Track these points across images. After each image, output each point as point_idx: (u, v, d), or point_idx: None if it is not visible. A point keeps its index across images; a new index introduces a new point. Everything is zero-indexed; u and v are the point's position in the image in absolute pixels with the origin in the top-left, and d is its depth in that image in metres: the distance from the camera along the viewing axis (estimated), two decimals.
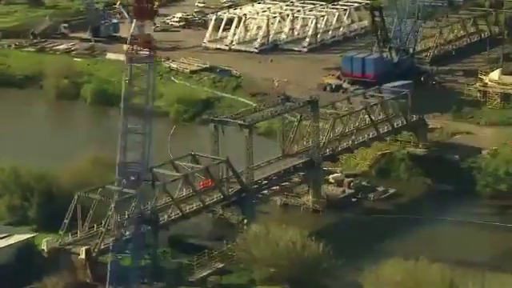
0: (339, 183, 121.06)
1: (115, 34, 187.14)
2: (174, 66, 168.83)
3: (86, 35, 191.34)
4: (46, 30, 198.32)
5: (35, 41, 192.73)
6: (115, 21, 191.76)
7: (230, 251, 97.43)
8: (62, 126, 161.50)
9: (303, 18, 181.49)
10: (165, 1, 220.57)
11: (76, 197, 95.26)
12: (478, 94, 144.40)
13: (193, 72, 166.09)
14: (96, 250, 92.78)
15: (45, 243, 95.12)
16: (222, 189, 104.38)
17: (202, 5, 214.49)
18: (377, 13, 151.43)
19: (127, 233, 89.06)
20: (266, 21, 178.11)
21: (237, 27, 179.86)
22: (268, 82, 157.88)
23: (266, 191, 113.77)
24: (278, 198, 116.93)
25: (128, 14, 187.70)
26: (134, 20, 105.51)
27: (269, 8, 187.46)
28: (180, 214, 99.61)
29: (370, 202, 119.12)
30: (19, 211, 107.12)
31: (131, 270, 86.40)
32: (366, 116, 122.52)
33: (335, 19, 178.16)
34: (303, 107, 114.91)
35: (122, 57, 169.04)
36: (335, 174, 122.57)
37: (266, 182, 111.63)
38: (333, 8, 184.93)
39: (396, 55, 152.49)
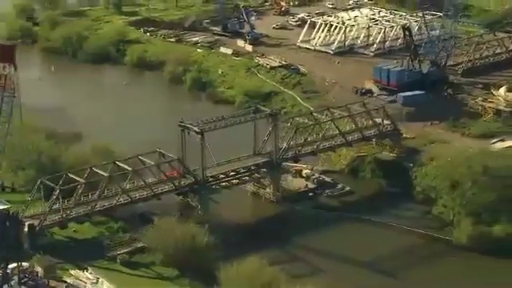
0: (307, 178, 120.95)
1: (240, 31, 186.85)
2: (261, 61, 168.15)
3: (217, 30, 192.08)
4: (192, 24, 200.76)
5: (176, 32, 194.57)
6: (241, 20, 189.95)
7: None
8: (151, 106, 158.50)
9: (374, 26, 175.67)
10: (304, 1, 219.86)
11: (38, 182, 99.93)
12: (480, 107, 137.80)
13: (272, 68, 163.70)
14: (38, 226, 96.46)
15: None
16: (173, 181, 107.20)
17: (331, 6, 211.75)
18: (407, 32, 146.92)
19: None
20: (343, 27, 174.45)
21: (327, 31, 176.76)
22: (322, 82, 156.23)
23: (224, 183, 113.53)
24: (249, 187, 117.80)
25: (246, 16, 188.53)
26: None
27: (356, 16, 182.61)
28: (129, 199, 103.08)
29: (324, 198, 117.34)
30: None
31: None
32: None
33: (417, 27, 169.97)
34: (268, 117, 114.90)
35: (229, 51, 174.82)
36: (306, 170, 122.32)
37: (222, 176, 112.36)
38: (411, 17, 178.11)
39: (427, 67, 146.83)
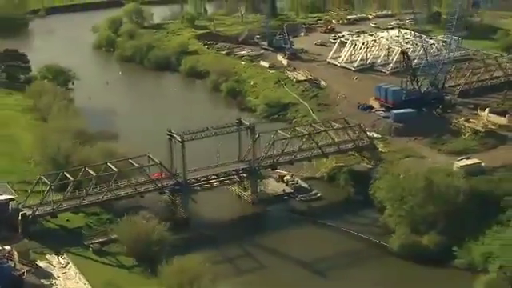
0: (287, 183, 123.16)
1: (284, 46, 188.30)
2: (289, 75, 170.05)
3: (264, 45, 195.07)
4: (245, 38, 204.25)
5: (229, 45, 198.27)
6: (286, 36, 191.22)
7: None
8: (190, 110, 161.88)
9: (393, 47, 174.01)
10: (350, 20, 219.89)
11: (38, 178, 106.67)
12: (461, 126, 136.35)
13: (298, 81, 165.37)
14: (31, 215, 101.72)
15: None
16: (155, 182, 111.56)
17: (374, 25, 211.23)
18: (406, 56, 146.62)
19: None
20: (364, 46, 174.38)
21: (352, 49, 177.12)
22: (336, 96, 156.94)
23: (206, 185, 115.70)
24: (234, 189, 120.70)
25: (288, 34, 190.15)
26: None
27: (381, 37, 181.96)
28: (114, 196, 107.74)
29: (296, 202, 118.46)
30: None
31: None
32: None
33: (421, 50, 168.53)
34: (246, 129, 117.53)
35: (266, 64, 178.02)
36: (287, 176, 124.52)
37: (204, 179, 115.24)
38: (430, 39, 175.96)
39: (424, 87, 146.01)
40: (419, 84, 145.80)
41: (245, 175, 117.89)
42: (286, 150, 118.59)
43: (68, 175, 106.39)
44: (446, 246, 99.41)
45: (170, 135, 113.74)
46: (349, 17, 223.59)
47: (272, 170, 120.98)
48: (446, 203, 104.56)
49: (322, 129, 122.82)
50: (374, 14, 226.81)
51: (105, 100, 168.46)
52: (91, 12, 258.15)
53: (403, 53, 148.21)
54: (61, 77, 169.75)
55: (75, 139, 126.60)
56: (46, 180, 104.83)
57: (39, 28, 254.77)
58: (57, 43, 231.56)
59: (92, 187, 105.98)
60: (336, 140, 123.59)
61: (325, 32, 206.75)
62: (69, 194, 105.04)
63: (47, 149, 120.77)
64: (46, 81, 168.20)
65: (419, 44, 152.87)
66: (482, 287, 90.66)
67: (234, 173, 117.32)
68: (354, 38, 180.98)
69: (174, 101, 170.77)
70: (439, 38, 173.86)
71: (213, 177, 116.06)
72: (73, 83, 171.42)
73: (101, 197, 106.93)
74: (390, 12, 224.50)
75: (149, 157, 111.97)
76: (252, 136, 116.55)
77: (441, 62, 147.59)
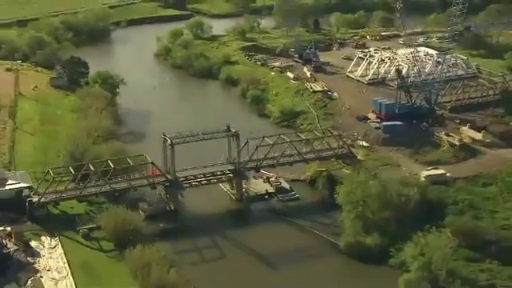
0: (271, 184, 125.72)
1: (313, 59, 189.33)
2: (308, 86, 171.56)
3: (296, 58, 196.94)
4: (281, 51, 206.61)
5: (265, 57, 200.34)
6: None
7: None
8: (217, 113, 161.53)
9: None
10: (383, 36, 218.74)
11: (47, 170, 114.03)
12: (441, 139, 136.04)
13: (314, 92, 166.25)
14: (36, 202, 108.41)
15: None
16: (147, 178, 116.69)
17: (402, 42, 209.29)
18: (399, 73, 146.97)
19: None
20: (376, 62, 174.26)
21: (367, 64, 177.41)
22: (342, 106, 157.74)
23: (194, 183, 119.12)
24: (224, 187, 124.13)
25: (315, 49, 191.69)
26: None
27: (395, 53, 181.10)
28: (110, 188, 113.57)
29: (275, 201, 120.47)
30: None
31: None
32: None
33: (428, 66, 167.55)
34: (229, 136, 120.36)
35: (291, 75, 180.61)
36: (272, 178, 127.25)
37: (192, 177, 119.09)
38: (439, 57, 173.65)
39: (418, 102, 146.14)
40: (413, 99, 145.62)
41: (231, 175, 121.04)
42: (269, 155, 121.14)
43: (71, 169, 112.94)
44: (386, 246, 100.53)
45: (164, 138, 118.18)
46: (383, 33, 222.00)
47: (256, 171, 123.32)
48: (396, 209, 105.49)
49: (304, 137, 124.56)
50: (407, 31, 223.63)
51: (148, 103, 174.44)
52: (166, 24, 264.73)
53: (397, 70, 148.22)
54: (108, 82, 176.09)
55: (99, 137, 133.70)
56: (51, 173, 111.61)
57: (119, 37, 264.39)
58: (127, 51, 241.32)
59: (94, 180, 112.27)
60: (316, 148, 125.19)
61: (355, 47, 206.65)
62: (70, 185, 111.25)
63: (69, 145, 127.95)
64: (96, 85, 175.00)
65: (417, 63, 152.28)
66: (403, 285, 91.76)
67: (220, 173, 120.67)
68: (372, 53, 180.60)
69: (206, 105, 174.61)
70: (447, 56, 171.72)
71: (200, 176, 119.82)
72: (118, 87, 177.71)
73: (99, 189, 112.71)
74: (421, 30, 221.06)
75: (145, 156, 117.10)
76: (237, 141, 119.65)
77: (435, 80, 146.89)
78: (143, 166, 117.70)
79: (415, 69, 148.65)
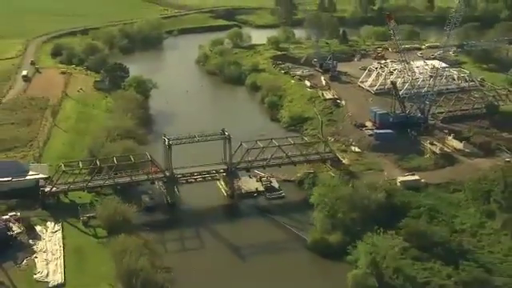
0: (262, 183, 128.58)
1: (331, 69, 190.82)
2: (320, 93, 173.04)
3: (317, 67, 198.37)
4: (306, 61, 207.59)
5: (289, 66, 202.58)
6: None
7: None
8: (238, 115, 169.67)
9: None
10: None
11: (58, 166, 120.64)
12: (425, 148, 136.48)
13: (325, 99, 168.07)
14: (48, 191, 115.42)
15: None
16: (147, 174, 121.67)
17: (420, 55, 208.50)
18: (393, 86, 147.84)
19: None
20: (383, 73, 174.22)
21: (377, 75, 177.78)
22: (345, 114, 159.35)
23: (191, 180, 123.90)
24: (220, 184, 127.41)
25: (333, 61, 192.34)
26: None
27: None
28: (113, 182, 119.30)
29: (263, 198, 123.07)
30: None
31: None
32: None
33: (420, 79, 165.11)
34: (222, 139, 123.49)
35: (308, 83, 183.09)
36: (264, 177, 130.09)
37: (188, 174, 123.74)
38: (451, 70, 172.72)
39: (411, 112, 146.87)
40: (407, 109, 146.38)
41: (224, 174, 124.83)
42: (259, 157, 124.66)
43: (80, 164, 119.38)
44: (346, 244, 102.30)
45: (164, 138, 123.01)
46: (404, 46, 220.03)
47: (246, 171, 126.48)
48: (362, 211, 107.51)
49: (292, 142, 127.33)
50: (427, 45, 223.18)
51: (179, 105, 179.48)
52: (214, 33, 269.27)
53: (392, 83, 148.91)
54: (142, 86, 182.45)
55: (118, 136, 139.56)
56: (63, 166, 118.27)
57: (169, 45, 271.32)
58: (173, 57, 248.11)
59: (102, 174, 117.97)
60: (304, 152, 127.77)
61: (374, 58, 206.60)
62: (80, 178, 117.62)
63: (89, 142, 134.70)
64: (131, 88, 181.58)
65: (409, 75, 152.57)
66: (350, 279, 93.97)
67: (214, 171, 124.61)
68: (384, 65, 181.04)
69: (229, 109, 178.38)
70: (451, 70, 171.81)
71: (196, 173, 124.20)
72: (150, 90, 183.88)
73: (103, 182, 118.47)
74: (439, 44, 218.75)
75: (147, 155, 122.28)
76: (228, 144, 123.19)
77: (428, 92, 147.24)
78: (146, 163, 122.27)
79: (409, 81, 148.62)
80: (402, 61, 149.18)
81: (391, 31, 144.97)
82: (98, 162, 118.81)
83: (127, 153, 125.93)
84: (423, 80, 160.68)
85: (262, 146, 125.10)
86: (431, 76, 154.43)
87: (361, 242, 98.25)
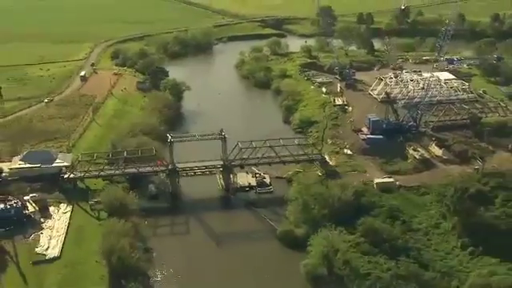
0: (255, 179, 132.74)
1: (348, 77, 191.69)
2: (331, 100, 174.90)
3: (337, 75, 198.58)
4: (329, 68, 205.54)
5: (314, 73, 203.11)
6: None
7: None
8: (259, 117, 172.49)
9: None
10: (423, 60, 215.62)
11: (77, 156, 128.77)
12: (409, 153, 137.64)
13: (335, 105, 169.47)
14: (66, 178, 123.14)
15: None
16: (151, 166, 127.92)
17: (436, 67, 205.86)
18: (389, 96, 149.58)
19: None
20: (383, 82, 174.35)
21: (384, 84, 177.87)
22: (348, 119, 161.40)
23: (191, 173, 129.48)
24: (217, 177, 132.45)
25: (349, 70, 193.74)
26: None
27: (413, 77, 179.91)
28: (122, 172, 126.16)
29: (253, 193, 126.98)
30: None
31: None
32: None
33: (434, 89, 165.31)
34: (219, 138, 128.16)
35: (324, 90, 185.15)
36: (258, 174, 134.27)
37: (188, 168, 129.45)
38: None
39: (404, 120, 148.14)
40: (400, 117, 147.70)
41: (221, 169, 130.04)
42: (252, 156, 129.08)
43: (95, 156, 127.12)
44: (309, 237, 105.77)
45: (168, 135, 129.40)
46: (424, 57, 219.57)
47: (241, 168, 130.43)
48: (330, 208, 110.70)
49: (282, 143, 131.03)
50: (446, 57, 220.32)
51: (209, 107, 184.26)
52: (260, 40, 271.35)
53: (386, 93, 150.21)
54: (175, 88, 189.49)
55: (141, 131, 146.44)
56: (80, 157, 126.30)
57: (218, 50, 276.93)
58: (218, 62, 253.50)
59: (105, 164, 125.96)
60: (293, 152, 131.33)
61: (392, 69, 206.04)
62: (92, 167, 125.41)
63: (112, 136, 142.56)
64: (167, 90, 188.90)
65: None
66: (303, 267, 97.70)
67: (211, 167, 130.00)
68: (391, 76, 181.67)
69: (252, 111, 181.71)
70: (453, 82, 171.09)
71: (195, 167, 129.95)
72: (182, 92, 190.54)
73: (113, 172, 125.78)
74: (456, 57, 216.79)
75: (153, 149, 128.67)
76: (224, 143, 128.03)
77: (421, 103, 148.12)
78: (155, 157, 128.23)
79: (403, 91, 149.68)
80: (395, 75, 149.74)
81: (385, 46, 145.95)
82: (110, 155, 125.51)
83: (139, 147, 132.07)
84: (415, 91, 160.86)
85: (255, 145, 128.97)
86: (423, 88, 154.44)
87: (316, 235, 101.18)
